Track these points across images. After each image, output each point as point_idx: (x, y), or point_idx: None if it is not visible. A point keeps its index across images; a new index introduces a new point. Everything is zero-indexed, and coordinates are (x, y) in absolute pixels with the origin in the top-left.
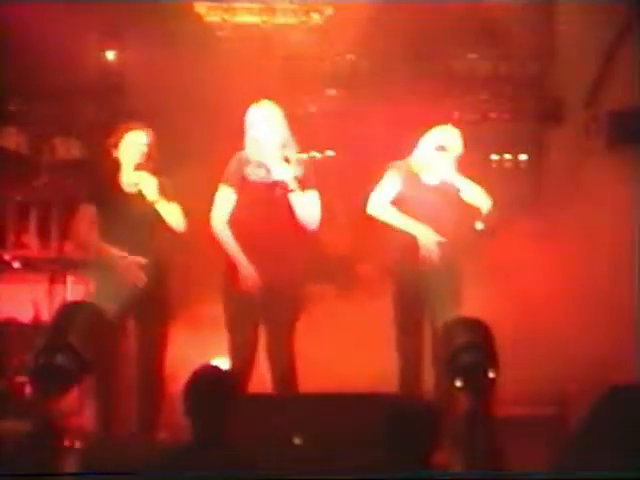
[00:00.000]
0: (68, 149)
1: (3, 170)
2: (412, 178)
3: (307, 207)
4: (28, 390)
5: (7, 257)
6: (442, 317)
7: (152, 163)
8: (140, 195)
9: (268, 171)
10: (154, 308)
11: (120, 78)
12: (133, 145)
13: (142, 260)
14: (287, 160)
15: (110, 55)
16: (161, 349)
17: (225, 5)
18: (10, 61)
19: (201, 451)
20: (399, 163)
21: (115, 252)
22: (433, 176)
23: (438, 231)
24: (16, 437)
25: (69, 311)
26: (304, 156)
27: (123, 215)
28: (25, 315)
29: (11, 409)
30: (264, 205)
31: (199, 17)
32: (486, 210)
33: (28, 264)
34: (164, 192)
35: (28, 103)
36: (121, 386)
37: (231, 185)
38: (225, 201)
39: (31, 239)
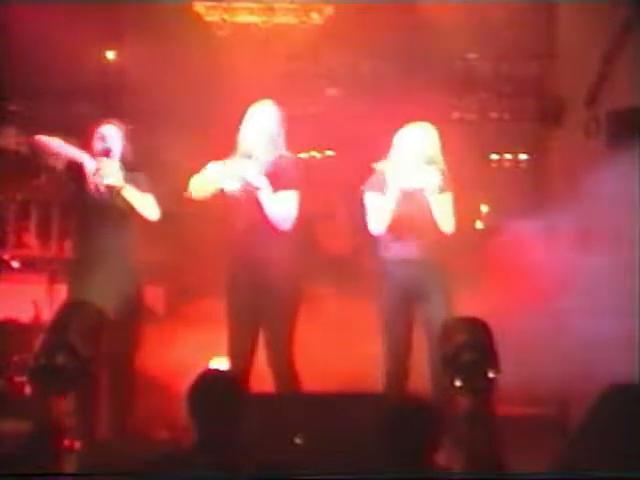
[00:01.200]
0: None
1: (3, 170)
2: (391, 189)
3: (275, 206)
4: (28, 390)
5: (7, 257)
6: (433, 315)
7: (125, 157)
8: (113, 193)
9: (248, 171)
10: (128, 307)
11: (120, 78)
12: (108, 139)
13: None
14: (255, 159)
15: (110, 55)
16: (133, 349)
17: (225, 5)
18: (10, 61)
19: (203, 452)
20: (372, 181)
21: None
22: (414, 184)
23: (425, 232)
24: (16, 437)
25: (69, 311)
26: (286, 155)
27: (101, 210)
28: (25, 315)
29: (11, 409)
30: (249, 205)
31: (199, 17)
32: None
33: (28, 264)
34: (137, 185)
35: (28, 103)
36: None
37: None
38: (214, 169)
39: (31, 239)
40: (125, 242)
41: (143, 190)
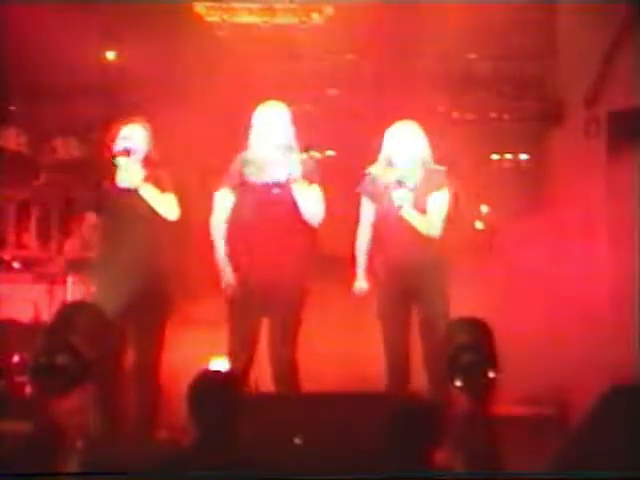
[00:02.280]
0: (68, 149)
1: (3, 170)
2: (382, 189)
3: (310, 200)
4: (28, 390)
5: (7, 257)
6: (430, 314)
7: (149, 156)
8: (129, 190)
9: (269, 171)
10: (152, 309)
11: (120, 78)
12: (131, 140)
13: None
14: (289, 159)
15: (110, 55)
16: (158, 350)
17: (225, 5)
18: (11, 61)
19: (204, 452)
20: (365, 184)
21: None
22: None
23: (419, 235)
24: (16, 437)
25: (69, 311)
26: (307, 155)
27: (122, 213)
28: (25, 315)
29: (11, 409)
30: (264, 205)
31: (199, 17)
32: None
33: (28, 264)
34: (158, 183)
35: (29, 103)
36: (121, 386)
37: (230, 187)
38: (224, 203)
39: (31, 239)
40: (144, 243)
41: (165, 189)
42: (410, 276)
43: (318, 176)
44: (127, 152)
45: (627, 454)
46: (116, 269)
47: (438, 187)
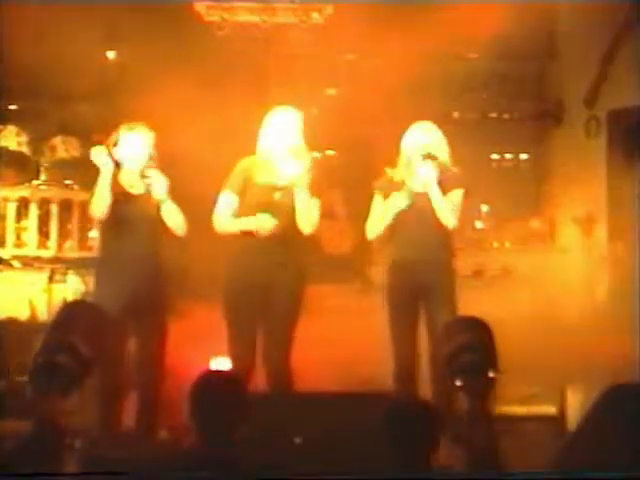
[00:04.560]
0: (68, 149)
1: (3, 169)
2: (399, 190)
3: (308, 210)
4: (28, 389)
5: (7, 256)
6: (437, 315)
7: (153, 163)
8: (142, 195)
9: (276, 174)
10: (153, 308)
11: (120, 78)
12: (135, 144)
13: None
14: (298, 163)
15: (110, 55)
16: (160, 349)
17: (225, 4)
18: (11, 61)
19: (203, 452)
20: (382, 182)
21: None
22: (418, 184)
23: (432, 231)
24: (16, 437)
25: (70, 310)
26: (318, 160)
27: (124, 216)
28: (24, 314)
29: (11, 409)
30: (268, 207)
31: (199, 16)
32: (450, 228)
33: (28, 263)
34: (169, 193)
35: (29, 103)
36: (122, 386)
37: (234, 189)
38: (227, 205)
39: (31, 238)
40: (147, 244)
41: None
42: (421, 275)
43: (323, 185)
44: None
45: (627, 454)
46: (118, 270)
47: (455, 187)
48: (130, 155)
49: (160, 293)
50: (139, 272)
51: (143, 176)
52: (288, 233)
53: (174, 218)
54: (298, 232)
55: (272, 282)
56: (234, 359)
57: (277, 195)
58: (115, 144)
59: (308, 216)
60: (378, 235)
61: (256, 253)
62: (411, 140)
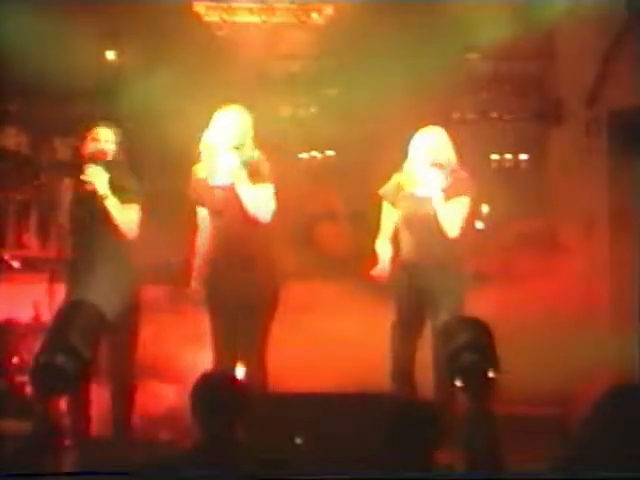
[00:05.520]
0: (68, 149)
1: (3, 170)
2: (405, 196)
3: (255, 199)
4: (28, 390)
5: (7, 257)
6: (446, 318)
7: (117, 162)
8: (93, 194)
9: (218, 174)
10: (125, 312)
11: (119, 78)
12: (95, 142)
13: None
14: (233, 159)
15: (110, 55)
16: (132, 352)
17: (224, 5)
18: (10, 61)
19: (203, 452)
20: (389, 188)
21: None
22: (425, 190)
23: (437, 237)
24: (16, 437)
25: (69, 311)
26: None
27: (87, 215)
28: (25, 315)
29: (11, 409)
30: (223, 207)
31: (198, 17)
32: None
33: (28, 264)
34: (125, 193)
35: (28, 103)
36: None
37: (196, 199)
38: (201, 218)
39: (31, 239)
40: (119, 243)
41: (130, 199)
42: (428, 280)
43: (264, 174)
44: (98, 155)
45: (627, 454)
46: (90, 269)
47: (462, 193)
48: (97, 152)
49: (132, 289)
50: (108, 269)
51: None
52: (243, 229)
53: (120, 216)
54: (253, 225)
55: (240, 282)
56: (215, 362)
57: (220, 192)
58: (83, 143)
59: (255, 205)
60: (387, 241)
61: (219, 262)
62: (418, 146)
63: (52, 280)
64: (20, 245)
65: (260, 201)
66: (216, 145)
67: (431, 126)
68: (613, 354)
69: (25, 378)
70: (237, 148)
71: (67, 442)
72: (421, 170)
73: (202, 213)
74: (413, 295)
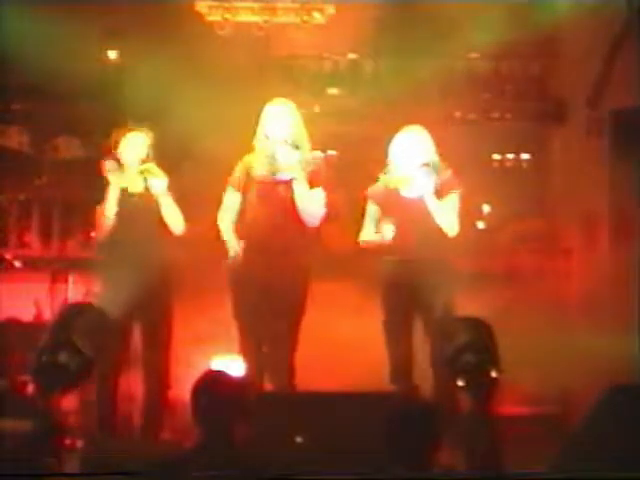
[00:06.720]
0: (70, 148)
1: (5, 169)
2: (392, 195)
3: (309, 201)
4: (30, 389)
5: (9, 256)
6: (434, 315)
7: (151, 161)
8: (143, 194)
9: (275, 168)
10: (157, 309)
11: (121, 78)
12: (135, 144)
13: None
14: (294, 155)
15: (111, 55)
16: (166, 350)
17: (226, 4)
18: (12, 61)
19: (204, 451)
20: (376, 189)
21: None
22: (415, 190)
23: (427, 236)
24: (17, 437)
25: (72, 310)
26: (318, 155)
27: (125, 214)
28: (27, 314)
29: (13, 408)
30: (270, 202)
31: (200, 16)
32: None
33: (30, 263)
34: (169, 191)
35: (31, 103)
36: (123, 386)
37: (236, 186)
38: (230, 202)
39: (33, 238)
40: (154, 248)
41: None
42: (418, 278)
43: (323, 178)
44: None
45: (627, 454)
46: (122, 269)
47: (450, 190)
48: (130, 155)
49: (163, 291)
50: (142, 270)
51: (142, 174)
52: (289, 227)
53: (173, 215)
54: (302, 226)
55: (273, 280)
56: (241, 359)
57: (279, 188)
58: (115, 146)
59: (309, 208)
60: (370, 242)
61: (256, 251)
62: (401, 147)
63: (54, 279)
64: (22, 244)
65: (313, 205)
66: (274, 139)
67: (412, 125)
68: (613, 354)
69: (26, 377)
70: (297, 147)
71: (68, 441)
72: (410, 171)
73: (234, 198)
74: (403, 294)
